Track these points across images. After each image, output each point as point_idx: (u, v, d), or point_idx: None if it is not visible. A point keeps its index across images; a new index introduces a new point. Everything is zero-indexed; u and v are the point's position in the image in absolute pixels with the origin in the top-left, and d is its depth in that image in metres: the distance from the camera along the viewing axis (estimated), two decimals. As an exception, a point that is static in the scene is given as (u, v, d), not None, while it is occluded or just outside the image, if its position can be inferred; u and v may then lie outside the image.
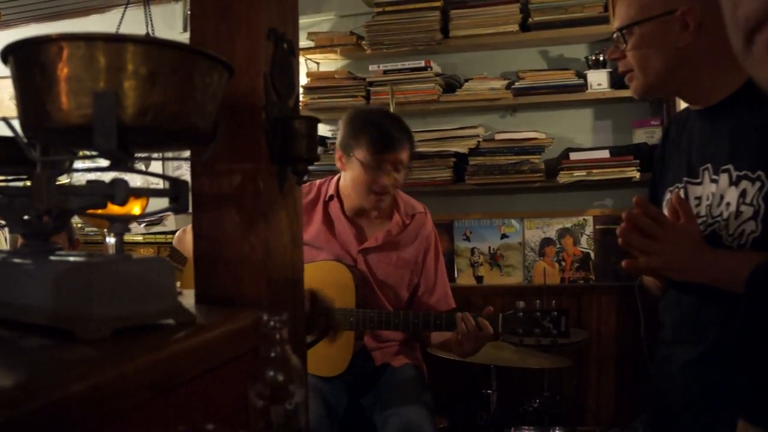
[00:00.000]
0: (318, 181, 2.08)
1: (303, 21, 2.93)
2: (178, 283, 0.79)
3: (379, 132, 1.90)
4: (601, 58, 2.70)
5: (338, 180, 2.03)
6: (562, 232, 2.84)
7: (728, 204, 1.14)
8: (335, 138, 2.93)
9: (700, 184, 1.22)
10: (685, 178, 1.25)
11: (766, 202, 1.09)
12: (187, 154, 0.91)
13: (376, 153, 1.87)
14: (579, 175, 2.62)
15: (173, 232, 2.93)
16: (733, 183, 1.14)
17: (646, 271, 1.27)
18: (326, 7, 3.18)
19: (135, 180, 0.70)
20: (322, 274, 1.90)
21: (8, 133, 0.72)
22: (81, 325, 0.60)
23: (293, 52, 0.93)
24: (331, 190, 2.01)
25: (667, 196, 1.28)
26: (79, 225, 2.87)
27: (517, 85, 2.76)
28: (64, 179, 0.85)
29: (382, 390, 1.91)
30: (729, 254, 1.13)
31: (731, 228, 1.13)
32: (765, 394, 0.64)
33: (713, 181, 1.18)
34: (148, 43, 0.62)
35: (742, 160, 1.13)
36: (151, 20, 2.74)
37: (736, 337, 0.73)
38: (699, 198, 1.22)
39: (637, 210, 1.15)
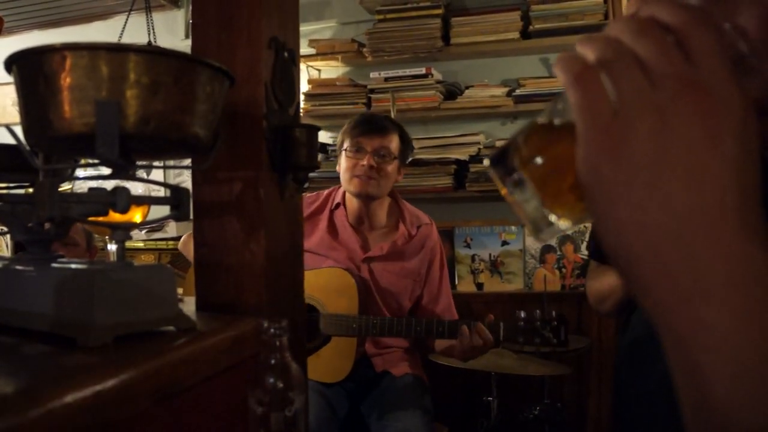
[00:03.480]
0: (326, 191, 2.10)
1: (304, 28, 2.95)
2: (180, 290, 0.80)
3: (362, 118, 2.01)
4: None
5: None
6: (563, 239, 2.84)
7: None
8: (336, 145, 2.96)
9: None
10: None
11: None
12: (188, 162, 0.91)
13: (356, 136, 1.94)
14: (579, 182, 2.62)
15: (174, 239, 2.93)
16: None
17: None
18: (327, 14, 3.19)
19: (137, 188, 0.71)
20: (325, 280, 1.90)
21: (11, 140, 0.73)
22: (82, 332, 0.60)
23: (294, 60, 0.94)
24: (338, 198, 2.03)
25: None
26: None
27: (518, 92, 2.77)
28: (66, 187, 0.85)
29: (380, 398, 1.91)
30: None
31: None
32: None
33: None
34: (151, 52, 0.63)
35: None
36: (153, 27, 2.75)
37: None
38: None
39: None
